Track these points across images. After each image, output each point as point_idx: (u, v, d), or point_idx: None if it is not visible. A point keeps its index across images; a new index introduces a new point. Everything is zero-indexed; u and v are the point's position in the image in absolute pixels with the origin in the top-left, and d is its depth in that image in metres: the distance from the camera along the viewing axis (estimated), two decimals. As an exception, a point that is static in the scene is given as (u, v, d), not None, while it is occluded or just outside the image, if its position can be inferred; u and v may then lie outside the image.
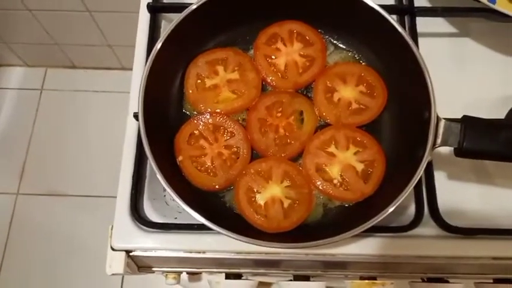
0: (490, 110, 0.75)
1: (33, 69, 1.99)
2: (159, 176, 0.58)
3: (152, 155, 0.59)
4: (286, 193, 0.64)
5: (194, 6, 0.65)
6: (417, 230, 0.67)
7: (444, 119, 0.61)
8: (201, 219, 0.57)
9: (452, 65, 0.80)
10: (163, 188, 0.59)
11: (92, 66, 1.98)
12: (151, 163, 0.59)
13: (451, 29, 0.83)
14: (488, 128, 0.59)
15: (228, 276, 0.76)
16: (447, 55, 0.81)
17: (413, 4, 0.79)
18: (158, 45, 0.63)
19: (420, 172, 0.58)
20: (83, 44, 1.81)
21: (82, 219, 1.75)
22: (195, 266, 0.75)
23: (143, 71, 0.63)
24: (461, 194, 0.70)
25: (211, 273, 0.79)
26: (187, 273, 0.78)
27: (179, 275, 0.78)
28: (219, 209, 0.65)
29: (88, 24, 1.66)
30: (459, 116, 0.69)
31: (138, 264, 0.72)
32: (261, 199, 0.64)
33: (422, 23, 0.79)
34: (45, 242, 1.73)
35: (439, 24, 0.82)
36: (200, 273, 0.80)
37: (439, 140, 0.59)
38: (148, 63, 0.62)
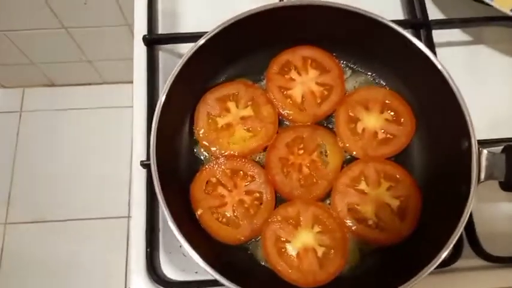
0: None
1: (10, 90, 1.89)
2: (177, 234, 0.52)
3: (169, 211, 0.53)
4: (319, 240, 0.59)
5: (199, 43, 0.58)
6: (457, 263, 0.62)
7: (483, 145, 0.56)
8: (222, 280, 0.51)
9: (469, 74, 0.76)
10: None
11: (72, 83, 1.89)
12: (168, 221, 0.52)
13: (464, 37, 0.78)
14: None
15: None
16: (465, 64, 0.76)
17: (427, 17, 0.73)
18: (162, 98, 0.56)
19: (468, 211, 0.53)
20: (60, 61, 1.72)
21: (77, 245, 1.67)
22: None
23: (151, 124, 0.56)
24: (499, 221, 0.66)
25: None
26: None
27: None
28: (244, 263, 0.60)
29: (65, 41, 1.58)
30: (484, 132, 0.65)
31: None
32: (292, 249, 0.59)
33: (436, 33, 0.74)
34: (38, 271, 1.65)
35: (453, 33, 0.77)
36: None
37: (483, 175, 0.54)
38: (155, 118, 0.55)
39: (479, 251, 0.62)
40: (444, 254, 0.51)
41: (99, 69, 1.79)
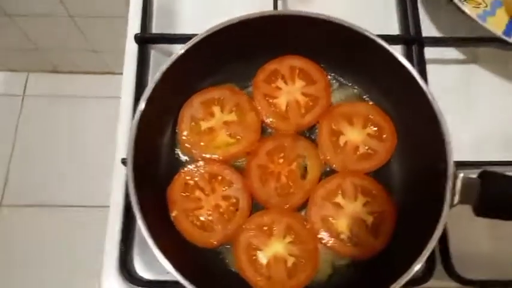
0: (501, 146, 0.71)
1: (14, 73, 1.90)
2: (146, 235, 0.52)
3: (140, 210, 0.53)
4: (289, 250, 0.59)
5: (182, 51, 0.58)
6: (429, 283, 0.62)
7: (459, 167, 0.56)
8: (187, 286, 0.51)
9: (460, 93, 0.75)
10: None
11: (76, 71, 1.90)
12: (138, 219, 0.53)
13: (457, 55, 0.78)
14: (510, 185, 0.54)
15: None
16: (455, 83, 0.76)
17: (421, 34, 0.73)
18: (146, 96, 0.56)
19: (439, 233, 0.53)
20: (65, 48, 1.72)
21: (72, 232, 1.68)
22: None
23: (131, 116, 0.57)
24: (473, 243, 0.66)
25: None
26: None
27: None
28: (215, 267, 0.60)
29: (70, 29, 1.58)
30: (465, 153, 0.65)
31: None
32: (263, 257, 0.59)
33: (430, 49, 0.74)
34: (32, 255, 1.66)
35: (444, 51, 0.77)
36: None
37: (456, 199, 0.54)
38: (136, 117, 0.55)
39: (452, 273, 0.63)
40: (416, 268, 0.51)
41: (104, 59, 1.80)
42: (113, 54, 1.74)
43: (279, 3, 0.73)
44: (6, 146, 1.81)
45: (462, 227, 0.66)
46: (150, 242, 0.52)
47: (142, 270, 0.64)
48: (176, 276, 0.51)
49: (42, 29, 1.59)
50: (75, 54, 1.77)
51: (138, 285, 0.61)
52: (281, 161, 0.63)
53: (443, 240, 0.63)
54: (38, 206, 1.73)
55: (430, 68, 0.73)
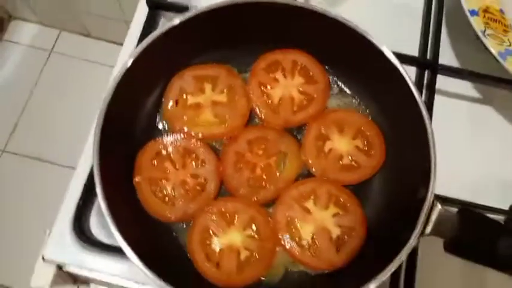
0: (497, 193, 0.67)
1: (47, 29, 1.93)
2: (100, 196, 0.50)
3: (100, 166, 0.51)
4: (246, 243, 0.57)
5: (178, 21, 0.56)
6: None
7: (441, 201, 0.52)
8: (135, 260, 0.49)
9: (466, 132, 0.72)
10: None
11: (106, 39, 1.92)
12: (95, 177, 0.51)
13: (473, 92, 0.74)
14: (488, 229, 0.51)
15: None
16: (463, 120, 0.73)
17: (437, 60, 0.70)
18: (133, 57, 0.55)
19: (400, 259, 0.50)
20: (99, 14, 1.74)
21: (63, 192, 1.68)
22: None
23: (120, 69, 0.55)
24: (443, 285, 0.62)
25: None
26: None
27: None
28: (166, 245, 0.58)
29: (109, -4, 1.60)
30: (460, 194, 0.62)
31: (75, 278, 0.65)
32: (216, 244, 0.56)
33: (442, 80, 0.71)
34: (22, 207, 1.66)
35: (461, 84, 0.73)
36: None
37: (428, 229, 0.51)
38: (124, 63, 0.54)
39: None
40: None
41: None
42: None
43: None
44: (22, 96, 1.84)
45: (434, 266, 0.62)
46: (101, 198, 0.50)
47: (99, 234, 0.62)
48: (120, 242, 0.49)
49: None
50: (108, 22, 1.79)
51: (84, 241, 0.59)
52: (260, 152, 0.61)
53: (410, 278, 0.60)
54: (36, 159, 1.74)
55: (440, 99, 0.71)
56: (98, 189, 0.50)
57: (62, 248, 0.60)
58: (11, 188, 1.70)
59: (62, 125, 1.79)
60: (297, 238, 0.57)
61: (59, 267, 0.60)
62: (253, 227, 0.58)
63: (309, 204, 0.59)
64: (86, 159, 0.64)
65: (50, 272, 0.59)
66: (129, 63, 0.54)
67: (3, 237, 1.62)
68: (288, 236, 0.57)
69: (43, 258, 0.59)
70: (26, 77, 1.87)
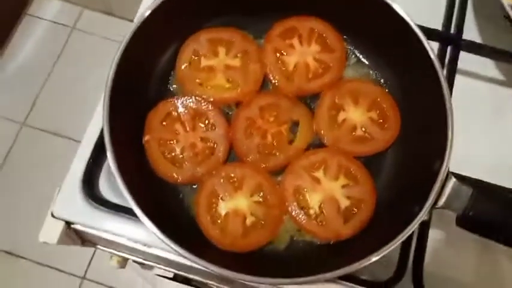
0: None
1: (71, 5, 1.95)
2: (109, 154, 0.50)
3: (109, 122, 0.51)
4: (253, 209, 0.56)
5: None
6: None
7: (455, 177, 0.51)
8: (142, 219, 0.49)
9: (485, 114, 0.69)
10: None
11: (130, 18, 1.92)
12: (105, 137, 0.50)
13: (496, 73, 0.71)
14: (505, 204, 0.48)
15: (176, 277, 0.68)
16: (483, 101, 0.70)
17: (461, 35, 0.68)
18: (146, 13, 0.54)
19: (409, 231, 0.48)
20: (124, -7, 1.75)
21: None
22: (142, 257, 0.68)
23: (137, 19, 0.54)
24: (454, 263, 0.60)
25: (160, 268, 0.71)
26: (134, 261, 0.71)
27: (125, 261, 0.71)
28: (172, 207, 0.57)
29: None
30: (475, 174, 0.60)
31: (82, 238, 0.65)
32: (223, 208, 0.56)
33: (465, 59, 0.68)
34: (39, 176, 1.68)
35: (484, 65, 0.71)
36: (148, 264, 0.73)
37: (441, 201, 0.49)
38: (141, 14, 0.53)
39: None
40: (373, 259, 0.47)
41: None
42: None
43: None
44: (43, 71, 1.86)
45: (446, 240, 0.60)
46: (111, 160, 0.50)
47: (106, 193, 0.61)
48: (128, 200, 0.49)
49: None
50: (131, 1, 1.79)
51: (93, 200, 0.59)
52: (272, 119, 0.60)
53: (420, 250, 0.58)
54: (54, 134, 1.76)
55: (461, 79, 0.68)
56: (107, 146, 0.50)
57: (71, 205, 0.59)
58: (29, 161, 1.73)
59: (82, 101, 1.80)
60: (304, 206, 0.56)
61: (68, 225, 0.60)
62: (261, 193, 0.56)
63: (319, 174, 0.57)
64: (99, 120, 0.63)
65: (59, 228, 0.59)
66: (147, 14, 0.54)
67: (18, 203, 1.65)
68: (295, 203, 0.56)
69: (52, 214, 0.59)
70: (47, 52, 1.88)
